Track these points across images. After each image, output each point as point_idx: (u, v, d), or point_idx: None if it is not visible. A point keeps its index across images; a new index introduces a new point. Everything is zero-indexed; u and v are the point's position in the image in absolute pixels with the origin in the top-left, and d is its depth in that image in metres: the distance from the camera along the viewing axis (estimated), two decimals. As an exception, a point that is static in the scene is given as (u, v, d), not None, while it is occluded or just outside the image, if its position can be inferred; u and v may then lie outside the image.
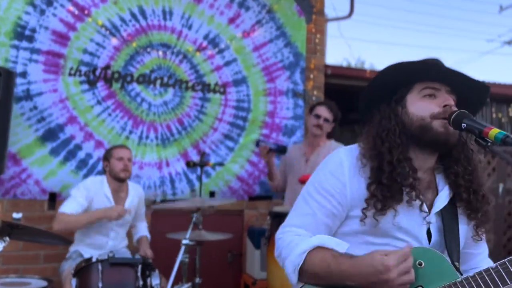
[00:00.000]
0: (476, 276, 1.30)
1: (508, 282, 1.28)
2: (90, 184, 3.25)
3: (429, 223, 1.44)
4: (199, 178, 3.85)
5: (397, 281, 1.24)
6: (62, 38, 3.87)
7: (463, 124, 1.32)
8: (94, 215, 3.13)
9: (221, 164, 4.15)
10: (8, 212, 3.74)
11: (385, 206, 1.37)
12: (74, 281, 2.54)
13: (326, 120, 3.66)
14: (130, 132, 4.06)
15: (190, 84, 4.26)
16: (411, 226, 1.41)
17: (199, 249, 3.18)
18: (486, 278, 1.29)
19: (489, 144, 1.28)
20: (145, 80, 4.12)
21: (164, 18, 4.22)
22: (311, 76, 4.74)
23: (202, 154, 3.85)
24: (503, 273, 1.29)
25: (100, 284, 2.45)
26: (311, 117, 3.69)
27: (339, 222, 1.45)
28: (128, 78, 4.07)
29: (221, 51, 4.38)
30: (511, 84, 6.67)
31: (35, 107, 3.76)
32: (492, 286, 1.28)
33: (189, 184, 4.23)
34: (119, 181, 3.32)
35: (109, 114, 4.00)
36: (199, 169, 4.01)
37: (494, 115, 6.65)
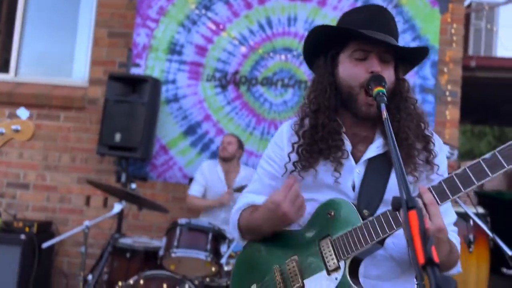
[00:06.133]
0: (374, 219, 1.30)
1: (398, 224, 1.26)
2: (205, 168, 4.09)
3: (353, 175, 1.43)
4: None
5: (291, 209, 1.33)
6: (202, 50, 4.67)
7: (369, 87, 1.35)
8: (212, 203, 3.92)
9: None
10: (161, 192, 4.70)
11: (307, 165, 1.45)
12: (164, 239, 3.14)
13: None
14: (254, 128, 4.57)
15: (308, 84, 4.51)
16: (336, 181, 1.42)
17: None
18: (382, 220, 1.28)
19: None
20: (268, 82, 4.58)
21: (289, 25, 4.60)
22: (445, 69, 4.37)
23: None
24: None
25: (175, 243, 2.99)
26: None
27: (282, 182, 1.52)
28: (253, 81, 4.60)
29: (341, 51, 4.49)
30: None
31: (180, 108, 4.65)
32: (386, 227, 1.27)
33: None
34: (224, 161, 4.00)
35: (237, 113, 4.60)
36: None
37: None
